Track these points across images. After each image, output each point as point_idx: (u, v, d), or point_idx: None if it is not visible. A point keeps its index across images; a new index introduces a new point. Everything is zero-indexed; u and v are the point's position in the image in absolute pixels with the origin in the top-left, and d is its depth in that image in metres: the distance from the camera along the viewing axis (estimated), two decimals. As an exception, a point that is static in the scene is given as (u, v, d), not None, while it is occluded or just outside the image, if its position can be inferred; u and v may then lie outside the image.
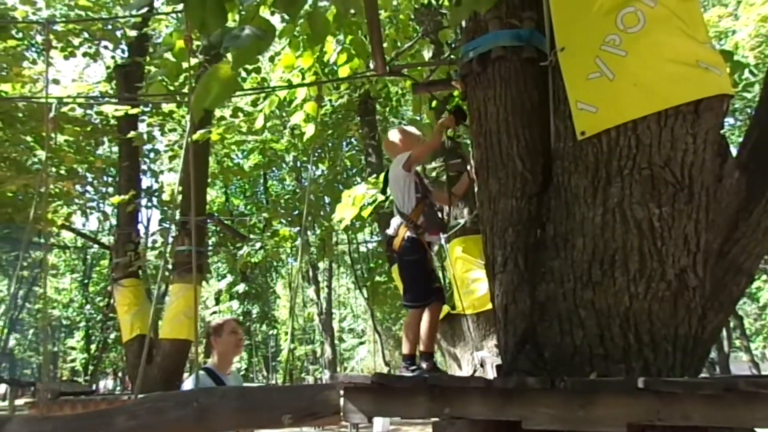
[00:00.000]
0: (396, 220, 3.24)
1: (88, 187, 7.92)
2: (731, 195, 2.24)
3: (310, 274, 28.03)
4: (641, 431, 1.86)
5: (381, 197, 5.75)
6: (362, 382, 1.84)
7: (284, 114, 6.36)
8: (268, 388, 2.65)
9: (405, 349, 3.11)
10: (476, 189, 2.92)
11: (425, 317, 3.13)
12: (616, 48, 2.18)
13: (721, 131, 2.23)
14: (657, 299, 2.02)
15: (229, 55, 1.80)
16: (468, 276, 5.17)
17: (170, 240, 6.97)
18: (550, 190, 2.40)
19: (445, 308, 5.45)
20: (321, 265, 28.09)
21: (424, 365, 3.10)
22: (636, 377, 1.70)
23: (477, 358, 4.78)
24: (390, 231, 3.26)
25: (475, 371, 4.66)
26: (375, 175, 5.50)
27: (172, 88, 4.09)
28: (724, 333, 26.08)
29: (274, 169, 12.91)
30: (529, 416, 1.71)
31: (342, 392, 1.90)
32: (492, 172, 2.64)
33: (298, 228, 7.07)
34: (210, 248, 8.44)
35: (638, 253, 2.05)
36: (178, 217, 6.31)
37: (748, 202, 2.51)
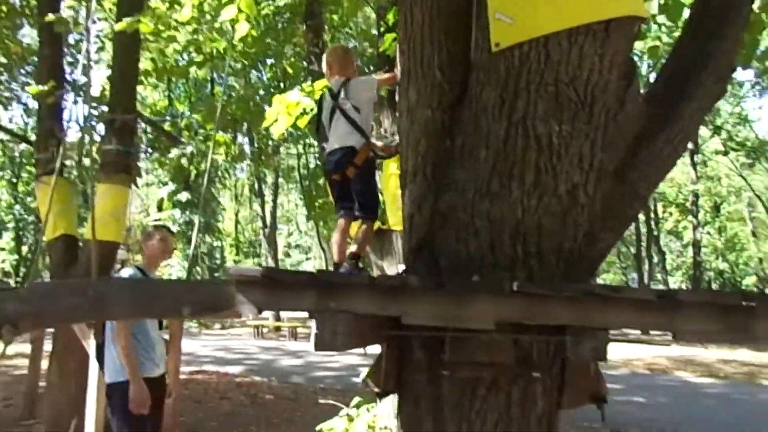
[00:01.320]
0: (356, 136, 3.27)
1: (7, 76, 7.33)
2: (632, 119, 2.30)
3: (256, 187, 27.75)
4: (515, 331, 1.99)
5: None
6: (253, 276, 1.87)
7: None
8: (169, 281, 2.66)
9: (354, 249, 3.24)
10: (397, 99, 2.90)
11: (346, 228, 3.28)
12: (538, -42, 2.13)
13: (630, 54, 2.26)
14: (547, 213, 2.10)
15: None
16: (399, 193, 5.22)
17: (97, 138, 6.67)
18: (464, 102, 2.40)
19: (377, 223, 5.56)
20: (269, 179, 27.80)
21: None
22: (511, 281, 1.79)
23: (399, 270, 4.94)
24: (354, 144, 3.28)
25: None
26: (310, 82, 5.33)
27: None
28: (647, 266, 27.89)
29: (222, 75, 12.35)
30: (409, 312, 1.79)
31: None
32: (412, 82, 2.61)
33: (234, 134, 6.89)
34: (142, 150, 8.15)
35: (535, 167, 2.11)
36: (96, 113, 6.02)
37: (654, 131, 2.60)
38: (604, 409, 2.28)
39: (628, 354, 12.89)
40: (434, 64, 2.53)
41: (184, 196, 21.39)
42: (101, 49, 7.38)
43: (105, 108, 6.41)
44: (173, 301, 2.08)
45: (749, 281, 32.33)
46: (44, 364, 6.41)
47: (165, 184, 22.68)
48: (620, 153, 2.37)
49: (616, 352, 12.59)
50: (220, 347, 15.83)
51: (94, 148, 6.39)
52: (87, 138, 6.82)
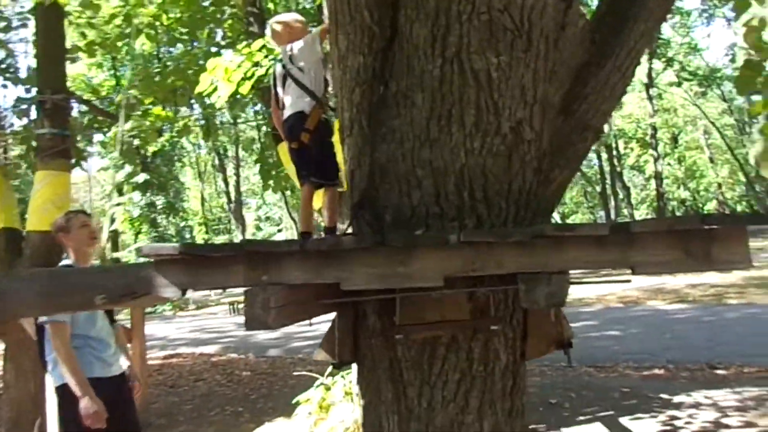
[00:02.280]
0: (306, 100, 3.06)
1: None
2: (574, 45, 2.14)
3: (217, 162, 27.06)
4: (468, 285, 1.86)
5: (261, 71, 5.31)
6: (171, 254, 1.68)
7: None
8: (85, 269, 2.43)
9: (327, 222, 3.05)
10: (328, 47, 2.68)
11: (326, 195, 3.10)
12: None
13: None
14: (491, 154, 1.95)
15: None
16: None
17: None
18: (395, 43, 2.20)
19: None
20: (230, 153, 27.09)
21: None
22: (459, 231, 1.64)
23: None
24: (304, 108, 3.07)
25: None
26: (247, 43, 5.01)
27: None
28: (613, 203, 28.40)
29: (170, 49, 11.71)
30: (347, 277, 1.63)
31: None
32: (341, 27, 2.39)
33: (176, 107, 6.53)
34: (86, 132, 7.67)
35: (475, 106, 1.94)
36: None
37: (600, 57, 2.44)
38: (570, 353, 2.20)
39: (600, 290, 13.13)
40: (362, 5, 2.31)
41: (141, 177, 20.68)
42: (23, 26, 6.84)
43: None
44: (85, 291, 1.87)
45: (710, 206, 33.34)
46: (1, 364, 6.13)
47: (121, 167, 21.89)
48: (565, 83, 2.21)
49: (589, 289, 12.83)
50: (196, 328, 15.61)
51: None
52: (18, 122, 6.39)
